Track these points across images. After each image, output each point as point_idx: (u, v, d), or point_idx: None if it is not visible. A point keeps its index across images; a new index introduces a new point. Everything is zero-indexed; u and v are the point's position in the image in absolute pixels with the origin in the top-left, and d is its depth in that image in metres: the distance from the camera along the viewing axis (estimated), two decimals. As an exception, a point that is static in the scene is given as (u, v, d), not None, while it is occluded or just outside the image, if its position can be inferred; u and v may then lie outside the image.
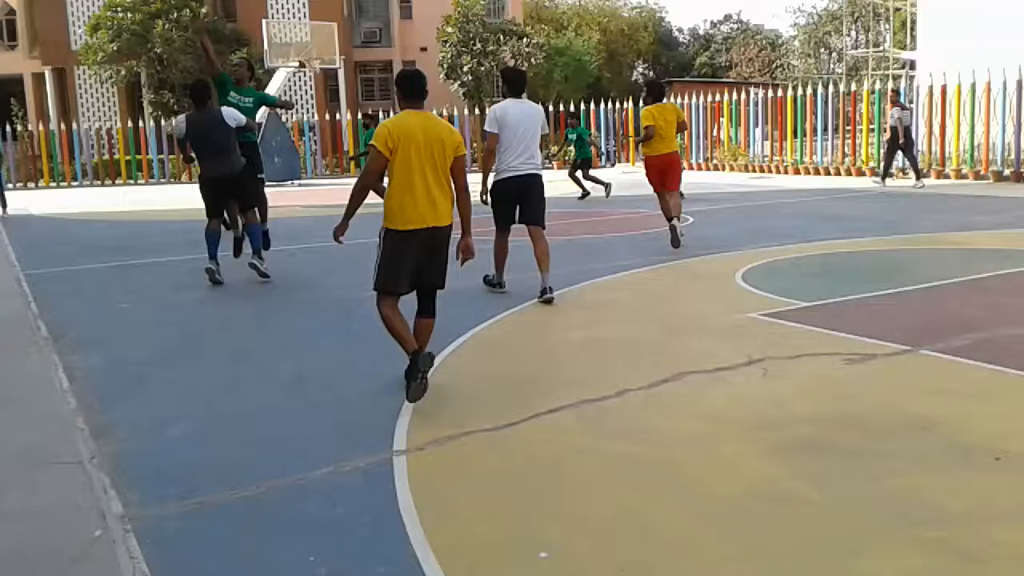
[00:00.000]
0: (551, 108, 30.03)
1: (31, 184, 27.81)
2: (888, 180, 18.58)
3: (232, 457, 3.92)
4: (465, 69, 33.10)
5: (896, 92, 18.50)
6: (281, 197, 19.46)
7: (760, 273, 8.09)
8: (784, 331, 5.88)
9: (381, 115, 27.75)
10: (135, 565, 2.90)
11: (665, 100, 10.78)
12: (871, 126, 22.21)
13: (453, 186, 4.83)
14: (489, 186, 7.44)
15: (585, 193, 16.56)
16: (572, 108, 28.91)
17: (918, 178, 17.86)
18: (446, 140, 4.75)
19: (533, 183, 7.33)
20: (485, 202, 7.44)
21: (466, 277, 8.52)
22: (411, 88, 4.92)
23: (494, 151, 7.26)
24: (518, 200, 7.36)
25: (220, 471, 3.74)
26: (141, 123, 29.24)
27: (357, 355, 5.73)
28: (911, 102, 21.47)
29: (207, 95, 8.42)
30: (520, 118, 7.23)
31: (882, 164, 18.95)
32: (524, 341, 5.96)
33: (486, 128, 7.35)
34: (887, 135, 18.63)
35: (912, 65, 28.01)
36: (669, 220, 9.69)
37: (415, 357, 4.47)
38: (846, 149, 22.96)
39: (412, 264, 4.74)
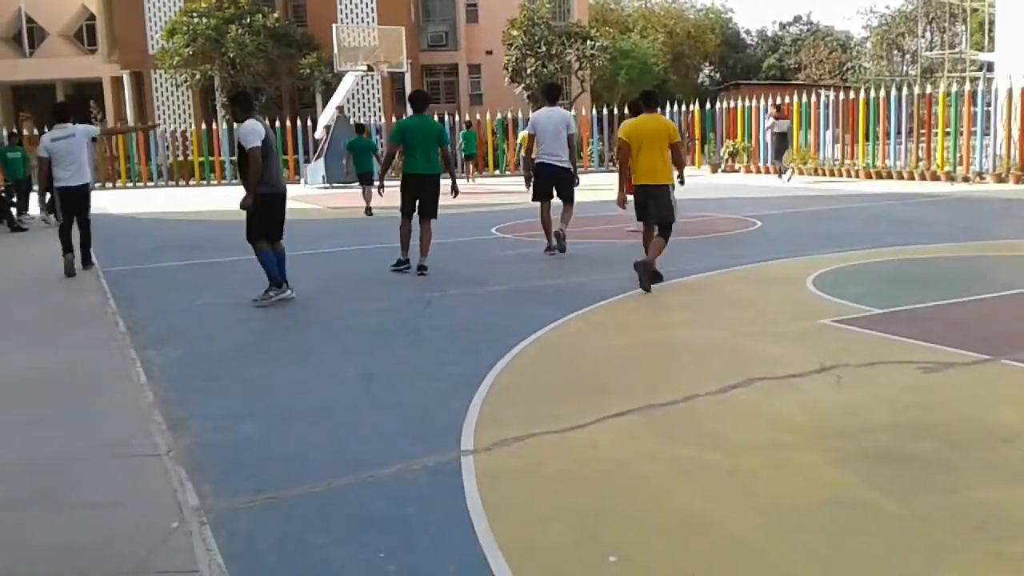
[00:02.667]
0: (615, 111, 29.93)
1: (108, 184, 28.66)
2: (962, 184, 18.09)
3: (303, 453, 3.98)
4: (530, 72, 33.15)
5: (777, 107, 24.18)
6: (348, 198, 19.70)
7: (832, 278, 7.93)
8: (857, 338, 5.76)
9: (449, 118, 27.99)
10: (211, 557, 2.96)
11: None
12: (947, 130, 21.64)
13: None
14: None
15: None
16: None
17: (780, 175, 22.65)
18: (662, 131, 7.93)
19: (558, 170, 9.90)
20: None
21: (528, 277, 8.55)
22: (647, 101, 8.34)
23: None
24: (552, 182, 9.92)
25: (291, 466, 3.80)
26: (214, 125, 29.94)
27: (424, 354, 5.77)
28: (989, 105, 20.87)
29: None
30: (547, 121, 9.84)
31: (778, 165, 23.31)
32: (590, 344, 5.93)
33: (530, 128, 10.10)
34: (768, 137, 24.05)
35: (990, 67, 27.17)
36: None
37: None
38: (920, 153, 22.39)
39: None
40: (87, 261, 10.13)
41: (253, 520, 3.28)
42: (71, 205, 9.68)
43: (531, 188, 10.16)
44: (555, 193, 10.01)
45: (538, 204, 10.20)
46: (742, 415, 4.33)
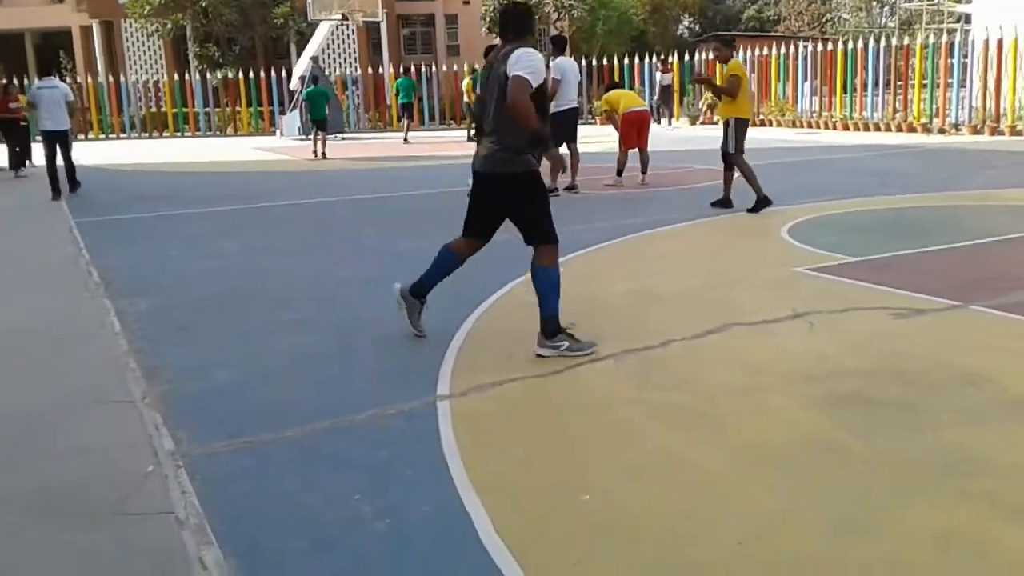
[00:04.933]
0: (594, 62, 29.69)
1: (80, 136, 28.17)
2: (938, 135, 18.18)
3: (277, 399, 3.99)
4: (508, 22, 32.73)
5: (663, 61, 27.87)
6: (329, 150, 19.51)
7: (807, 228, 7.98)
8: (830, 285, 5.81)
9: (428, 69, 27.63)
10: (186, 499, 2.97)
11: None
12: (924, 81, 21.66)
13: None
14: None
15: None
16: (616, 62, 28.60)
17: (670, 121, 26.41)
18: None
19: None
20: None
21: (505, 228, 8.52)
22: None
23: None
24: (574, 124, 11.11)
25: (266, 412, 3.81)
26: (187, 76, 29.45)
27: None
28: (966, 57, 20.89)
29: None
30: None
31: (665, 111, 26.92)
32: (567, 292, 5.91)
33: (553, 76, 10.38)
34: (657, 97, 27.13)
35: (967, 19, 27.16)
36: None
37: None
38: (897, 105, 22.43)
39: None
40: (73, 186, 12.67)
41: (228, 464, 3.29)
42: (53, 144, 12.22)
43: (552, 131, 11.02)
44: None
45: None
46: (716, 360, 4.37)
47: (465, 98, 22.19)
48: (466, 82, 22.16)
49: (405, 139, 23.08)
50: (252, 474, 3.21)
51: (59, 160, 12.37)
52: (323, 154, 18.46)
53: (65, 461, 3.38)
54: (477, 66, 29.32)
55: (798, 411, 3.66)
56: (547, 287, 4.53)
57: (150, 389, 4.12)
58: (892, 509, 2.81)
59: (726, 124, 9.27)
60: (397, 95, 24.39)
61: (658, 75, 27.34)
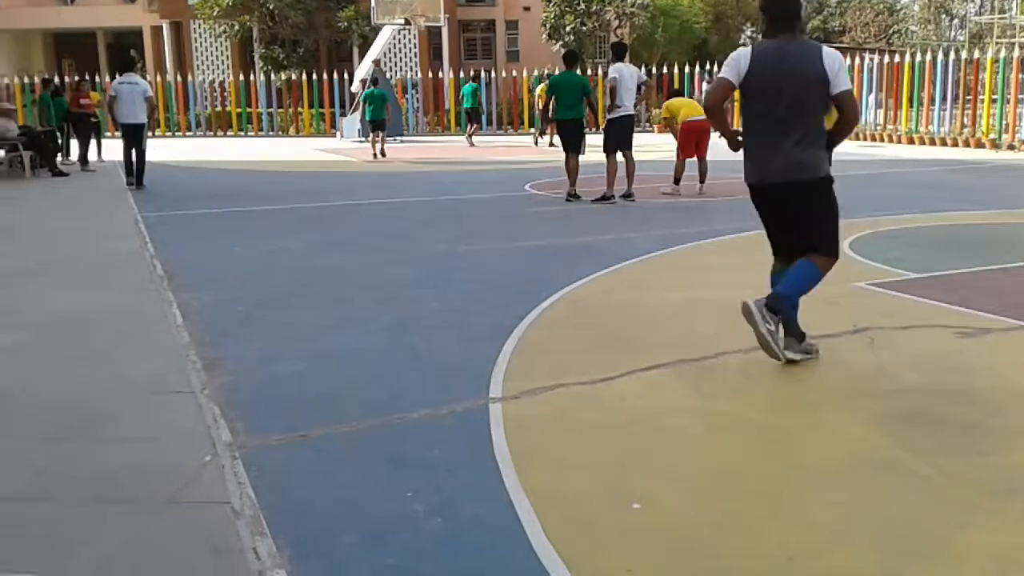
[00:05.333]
0: (654, 70, 29.55)
1: (149, 133, 28.83)
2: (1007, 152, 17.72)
3: (334, 394, 4.03)
4: (568, 29, 32.77)
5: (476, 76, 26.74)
6: (389, 152, 19.69)
7: (869, 243, 7.83)
8: (893, 302, 5.69)
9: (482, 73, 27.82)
10: (241, 490, 3.02)
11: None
12: (993, 96, 21.13)
13: None
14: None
15: None
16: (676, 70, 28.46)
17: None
18: None
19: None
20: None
21: (560, 234, 8.54)
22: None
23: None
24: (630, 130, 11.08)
25: (322, 407, 3.86)
26: (252, 77, 30.00)
27: (455, 306, 5.80)
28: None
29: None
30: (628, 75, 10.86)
31: None
32: (621, 300, 5.92)
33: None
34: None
35: (1042, 33, 26.43)
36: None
37: None
38: (965, 119, 21.91)
39: None
40: (140, 183, 13.04)
41: (284, 456, 3.34)
42: (130, 137, 12.87)
43: (607, 138, 11.05)
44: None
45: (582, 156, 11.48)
46: (772, 373, 4.31)
47: (539, 104, 22.06)
48: (540, 88, 21.63)
49: (470, 143, 23.42)
50: (307, 467, 3.25)
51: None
52: (382, 152, 18.91)
53: (124, 449, 3.47)
54: (542, 71, 29.44)
55: (857, 427, 3.59)
56: (805, 277, 4.33)
57: (210, 381, 4.20)
58: (951, 530, 2.74)
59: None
60: (463, 100, 24.63)
61: (706, 85, 27.30)
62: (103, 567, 2.54)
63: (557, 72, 27.55)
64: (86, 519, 2.88)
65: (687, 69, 29.34)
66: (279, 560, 2.57)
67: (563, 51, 12.28)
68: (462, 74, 28.05)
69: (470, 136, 23.81)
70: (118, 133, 13.30)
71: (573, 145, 11.16)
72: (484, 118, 28.30)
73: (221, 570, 2.52)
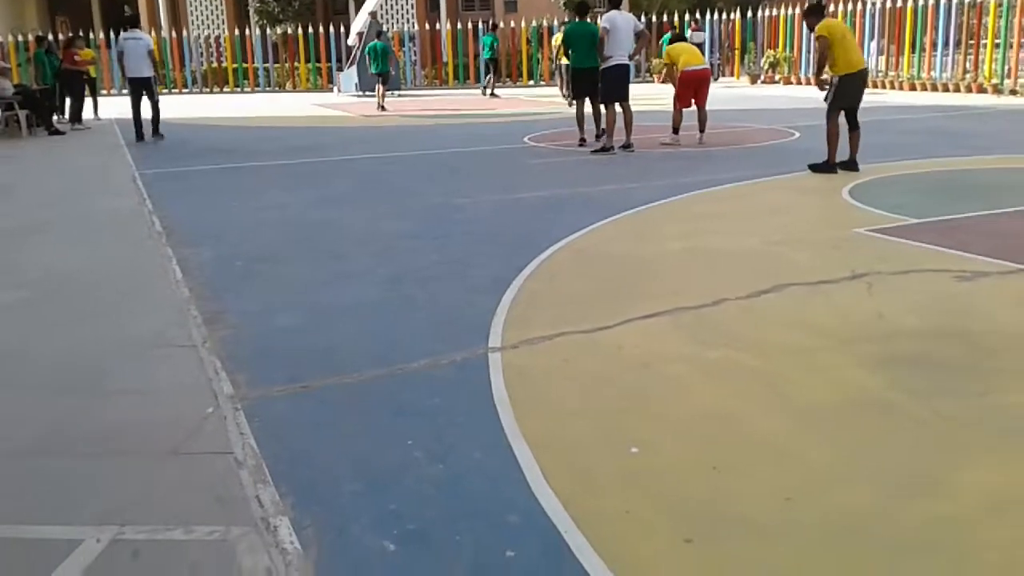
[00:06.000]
0: (654, 19, 29.20)
1: (157, 86, 28.57)
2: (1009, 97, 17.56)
3: (334, 346, 4.06)
4: (568, -22, 32.26)
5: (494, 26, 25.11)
6: (388, 105, 19.54)
7: (869, 189, 7.81)
8: (892, 247, 5.69)
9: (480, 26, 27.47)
10: (244, 440, 3.05)
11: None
12: (996, 41, 20.88)
13: None
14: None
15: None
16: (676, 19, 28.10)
17: None
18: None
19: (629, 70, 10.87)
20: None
21: (559, 185, 8.50)
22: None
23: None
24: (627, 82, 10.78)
25: (323, 359, 3.88)
26: (248, 32, 29.66)
27: (454, 258, 5.80)
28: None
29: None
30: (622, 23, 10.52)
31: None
32: (621, 249, 5.92)
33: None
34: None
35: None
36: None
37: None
38: (967, 64, 21.68)
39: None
40: (157, 132, 13.76)
41: (285, 407, 3.37)
42: (137, 90, 13.44)
43: (601, 89, 10.84)
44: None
45: (581, 103, 11.50)
46: (771, 319, 4.33)
47: (555, 56, 21.56)
48: (556, 38, 20.62)
49: (492, 93, 23.53)
50: (308, 418, 3.28)
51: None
52: (382, 107, 19.00)
53: (127, 403, 3.50)
54: (541, 22, 29.03)
55: (854, 371, 3.61)
56: None
57: (211, 334, 4.22)
58: (947, 469, 2.77)
59: (829, 83, 8.66)
60: (483, 50, 24.37)
61: (690, 33, 26.60)
62: (109, 519, 2.57)
63: (556, 23, 27.28)
64: (91, 472, 2.92)
65: (687, 17, 28.97)
66: (282, 507, 2.60)
67: (578, 1, 12.03)
68: (480, 25, 27.60)
69: (490, 87, 23.81)
70: (126, 90, 13.77)
71: (588, 93, 11.15)
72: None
73: (225, 518, 2.56)
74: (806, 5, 10.03)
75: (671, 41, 12.99)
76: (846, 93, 8.61)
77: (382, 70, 19.34)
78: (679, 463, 2.87)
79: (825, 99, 8.68)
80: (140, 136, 13.47)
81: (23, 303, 5.01)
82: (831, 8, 24.70)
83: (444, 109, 20.10)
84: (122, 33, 14.04)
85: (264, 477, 2.79)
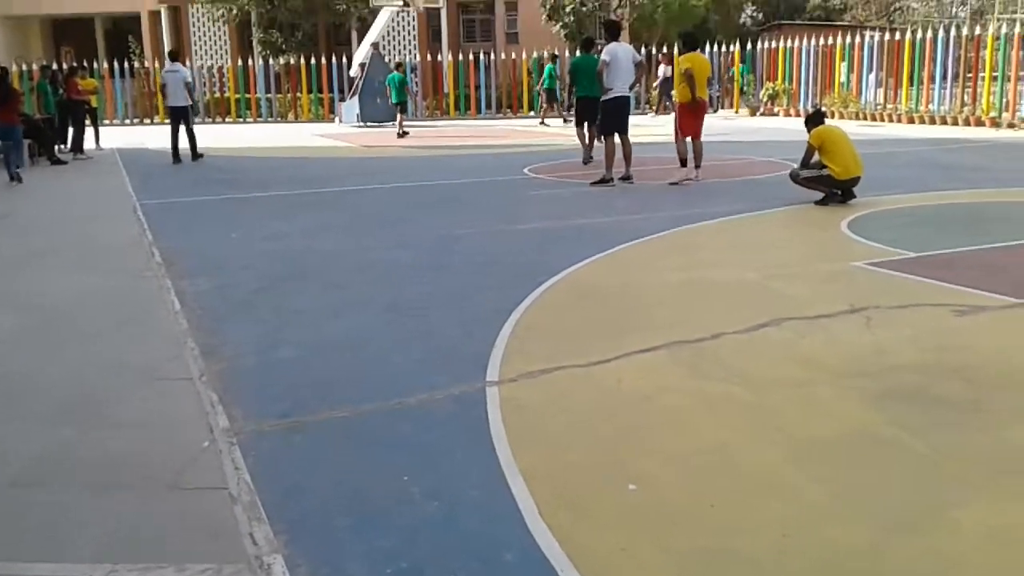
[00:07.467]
0: (653, 50, 29.43)
1: (147, 120, 28.80)
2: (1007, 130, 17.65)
3: (332, 379, 4.05)
4: (567, 10, 32.55)
5: (554, 57, 25.73)
6: (382, 137, 19.68)
7: (868, 222, 7.83)
8: (890, 280, 5.70)
9: (482, 56, 27.64)
10: (239, 475, 3.04)
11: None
12: (994, 74, 21.03)
13: None
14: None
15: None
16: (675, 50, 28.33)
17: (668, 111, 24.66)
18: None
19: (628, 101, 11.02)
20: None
21: (559, 217, 8.52)
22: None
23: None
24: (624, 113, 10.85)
25: (320, 392, 3.87)
26: (250, 62, 29.86)
27: (453, 289, 5.80)
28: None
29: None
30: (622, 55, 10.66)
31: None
32: (619, 281, 5.92)
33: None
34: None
35: (1044, 9, 26.27)
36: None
37: None
38: (965, 98, 21.81)
39: None
40: (195, 154, 15.08)
41: (280, 442, 3.36)
42: (176, 119, 14.95)
43: (598, 122, 11.46)
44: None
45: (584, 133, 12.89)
46: (769, 353, 4.32)
47: (539, 85, 22.47)
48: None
49: (543, 122, 24.11)
50: (304, 452, 3.27)
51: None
52: (400, 133, 19.95)
53: (123, 435, 3.49)
54: (542, 53, 29.26)
55: (852, 405, 3.60)
56: None
57: (207, 367, 4.21)
58: (945, 507, 2.75)
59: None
60: (544, 81, 24.54)
61: (661, 68, 27.37)
62: (101, 556, 2.55)
63: (552, 54, 27.49)
64: (85, 506, 2.90)
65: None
66: (275, 545, 2.59)
67: (584, 37, 13.06)
68: (545, 53, 27.79)
69: (545, 115, 24.42)
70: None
71: (590, 120, 12.23)
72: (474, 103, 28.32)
73: (218, 556, 2.54)
74: (808, 112, 10.67)
75: (685, 51, 12.04)
76: (843, 189, 8.91)
77: (401, 99, 20.10)
78: (676, 499, 2.85)
79: (800, 173, 9.04)
80: (177, 159, 14.76)
81: (21, 331, 5.01)
82: (831, 40, 24.98)
83: (446, 138, 20.22)
84: (165, 65, 15.77)
85: (258, 513, 2.77)
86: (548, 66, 24.67)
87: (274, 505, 2.82)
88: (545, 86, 24.60)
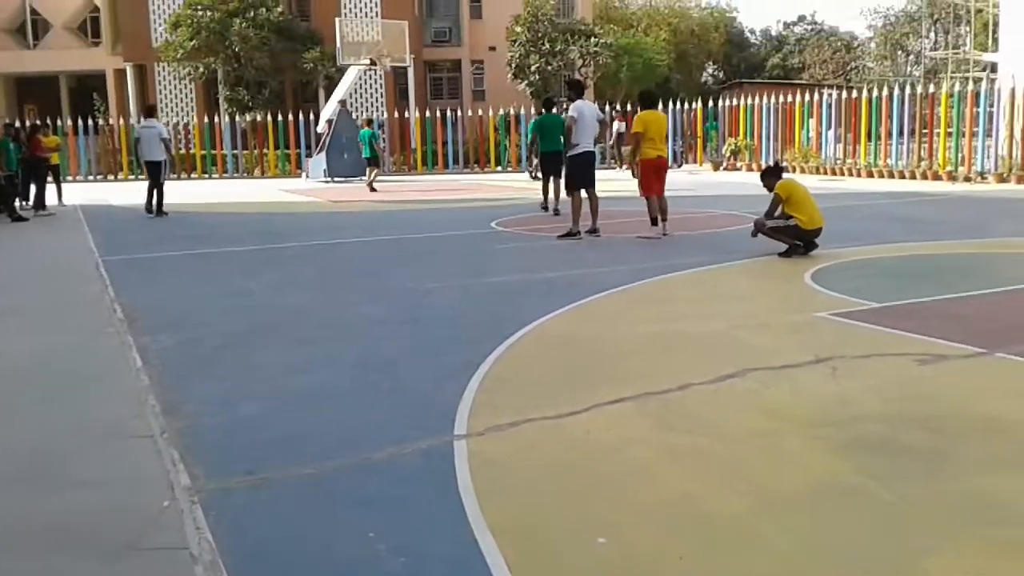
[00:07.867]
0: (618, 107, 29.94)
1: (111, 176, 28.68)
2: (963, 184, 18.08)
3: (297, 435, 3.99)
4: (533, 69, 33.09)
5: (618, 109, 28.45)
6: (349, 192, 19.72)
7: (830, 273, 7.93)
8: (854, 331, 5.76)
9: (449, 114, 27.93)
10: (200, 535, 2.97)
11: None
12: (949, 130, 21.61)
13: None
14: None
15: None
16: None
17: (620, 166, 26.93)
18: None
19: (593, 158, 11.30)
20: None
21: (527, 270, 8.56)
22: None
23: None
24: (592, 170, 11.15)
25: (285, 448, 3.81)
26: (216, 119, 29.91)
27: (421, 342, 5.78)
28: (992, 105, 20.84)
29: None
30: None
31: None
32: (588, 333, 5.93)
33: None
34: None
35: (993, 68, 27.15)
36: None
37: None
38: (922, 153, 22.37)
39: None
40: (160, 211, 15.16)
41: (244, 500, 3.29)
42: (150, 172, 15.19)
43: (564, 177, 11.77)
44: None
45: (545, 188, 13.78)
46: (736, 404, 4.33)
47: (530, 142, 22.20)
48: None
49: (534, 176, 24.17)
50: (267, 511, 3.20)
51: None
52: (371, 187, 20.71)
53: (81, 494, 3.39)
54: (507, 111, 29.65)
55: (818, 455, 3.61)
56: None
57: (169, 424, 4.13)
58: (914, 555, 2.75)
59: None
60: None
61: (616, 124, 28.40)
62: (56, 617, 2.47)
63: (520, 111, 27.84)
64: (40, 571, 2.81)
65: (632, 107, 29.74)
66: (238, 605, 2.52)
67: (544, 97, 14.72)
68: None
69: (372, 182, 24.10)
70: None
71: (556, 173, 12.94)
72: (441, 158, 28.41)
73: (178, 617, 2.47)
74: (764, 166, 10.96)
75: (642, 108, 12.26)
76: (806, 240, 9.08)
77: (372, 155, 21.11)
78: (645, 552, 2.83)
79: (767, 223, 9.19)
80: (149, 210, 15.23)
81: (-23, 392, 4.89)
82: (790, 97, 25.57)
83: (413, 192, 20.31)
84: (140, 122, 16.40)
85: (220, 573, 2.70)
86: (364, 130, 22.53)
87: (236, 565, 2.75)
88: (364, 155, 22.33)
